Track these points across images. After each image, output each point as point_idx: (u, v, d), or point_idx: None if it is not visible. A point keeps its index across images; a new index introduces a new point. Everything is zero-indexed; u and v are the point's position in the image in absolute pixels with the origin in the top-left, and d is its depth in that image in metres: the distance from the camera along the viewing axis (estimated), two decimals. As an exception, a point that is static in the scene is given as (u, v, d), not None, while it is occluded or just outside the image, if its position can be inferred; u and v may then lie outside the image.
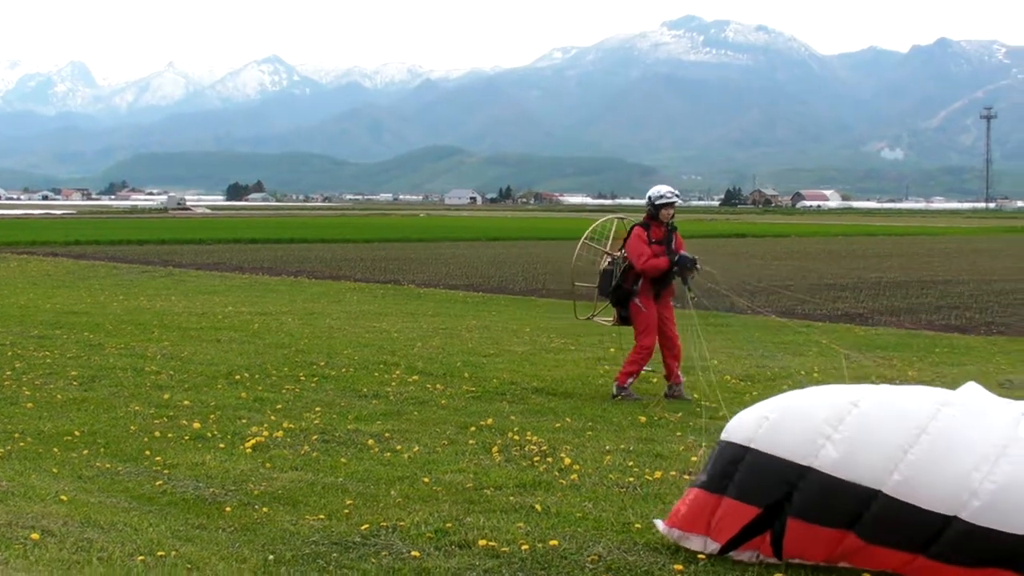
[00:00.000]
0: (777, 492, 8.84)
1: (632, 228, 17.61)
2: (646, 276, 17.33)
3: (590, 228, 19.31)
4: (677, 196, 17.87)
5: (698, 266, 17.43)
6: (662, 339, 17.60)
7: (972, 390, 9.06)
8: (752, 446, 9.05)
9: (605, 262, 18.05)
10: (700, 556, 9.07)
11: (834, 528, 8.65)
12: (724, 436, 9.41)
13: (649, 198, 17.62)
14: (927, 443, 8.52)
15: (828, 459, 8.69)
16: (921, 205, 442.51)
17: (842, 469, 8.65)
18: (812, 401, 9.20)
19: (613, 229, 19.14)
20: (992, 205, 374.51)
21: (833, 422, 8.80)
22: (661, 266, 17.22)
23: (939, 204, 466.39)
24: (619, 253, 17.75)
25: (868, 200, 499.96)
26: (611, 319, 18.49)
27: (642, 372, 18.15)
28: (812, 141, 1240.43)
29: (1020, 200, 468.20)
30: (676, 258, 17.23)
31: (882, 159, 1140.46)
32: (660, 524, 9.56)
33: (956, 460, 8.42)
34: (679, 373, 17.70)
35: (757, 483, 8.96)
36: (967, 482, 8.31)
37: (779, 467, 8.87)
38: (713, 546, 9.12)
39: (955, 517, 8.31)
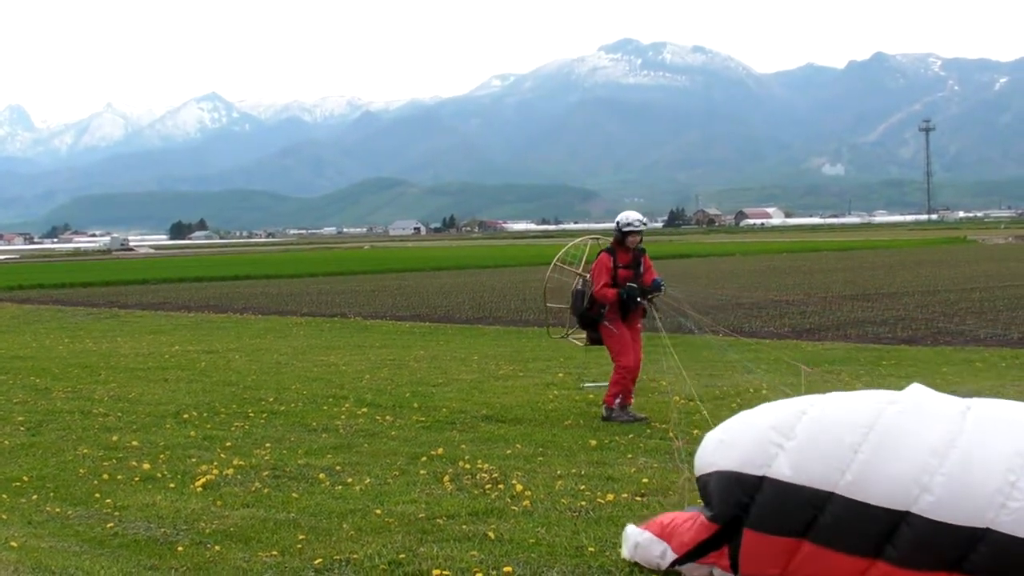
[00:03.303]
0: (736, 507, 8.86)
1: (599, 253, 17.70)
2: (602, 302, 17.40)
3: (563, 250, 19.38)
4: (644, 224, 17.87)
5: (663, 289, 17.51)
6: None
7: (917, 389, 9.10)
8: (712, 470, 9.07)
9: (578, 283, 18.13)
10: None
11: (788, 537, 8.63)
12: (696, 472, 9.45)
13: (617, 223, 17.68)
14: (875, 441, 8.53)
15: (781, 467, 8.70)
16: (864, 219, 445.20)
17: (794, 475, 8.68)
18: (760, 414, 9.23)
19: (587, 250, 19.20)
20: (934, 216, 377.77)
21: (784, 431, 8.81)
22: (609, 297, 17.30)
23: (881, 217, 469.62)
24: (589, 276, 17.82)
25: (811, 216, 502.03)
26: (584, 338, 18.53)
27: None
28: (753, 159, 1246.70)
29: (962, 211, 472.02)
30: (624, 292, 17.31)
31: (823, 175, 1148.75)
32: (631, 527, 9.63)
33: (906, 456, 8.44)
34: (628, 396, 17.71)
35: (720, 500, 8.99)
36: (918, 476, 8.33)
37: (734, 481, 8.88)
38: (671, 556, 9.16)
39: (908, 512, 8.33)
